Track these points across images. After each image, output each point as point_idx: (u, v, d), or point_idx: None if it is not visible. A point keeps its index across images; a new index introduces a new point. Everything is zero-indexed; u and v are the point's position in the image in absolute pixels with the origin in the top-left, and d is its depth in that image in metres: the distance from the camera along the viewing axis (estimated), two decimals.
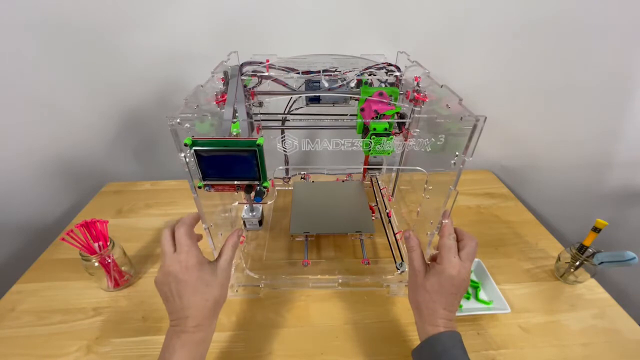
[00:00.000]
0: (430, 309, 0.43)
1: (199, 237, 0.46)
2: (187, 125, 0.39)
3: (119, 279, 0.61)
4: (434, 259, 0.47)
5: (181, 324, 0.39)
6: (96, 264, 0.57)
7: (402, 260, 0.62)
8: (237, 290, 0.60)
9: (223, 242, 0.52)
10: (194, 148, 0.39)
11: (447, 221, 0.46)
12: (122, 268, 0.61)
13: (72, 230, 0.56)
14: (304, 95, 0.53)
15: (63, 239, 0.55)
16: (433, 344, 0.41)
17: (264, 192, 0.45)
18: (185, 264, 0.40)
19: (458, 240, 0.46)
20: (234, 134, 0.43)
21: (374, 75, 0.53)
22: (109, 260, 0.58)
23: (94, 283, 0.62)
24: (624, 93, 0.82)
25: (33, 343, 0.54)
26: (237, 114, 0.47)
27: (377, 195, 0.81)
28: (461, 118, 0.40)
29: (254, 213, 0.71)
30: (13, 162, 0.84)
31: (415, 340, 0.48)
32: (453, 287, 0.43)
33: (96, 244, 0.57)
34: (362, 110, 0.50)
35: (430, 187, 0.53)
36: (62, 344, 0.53)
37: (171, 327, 0.40)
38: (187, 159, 0.39)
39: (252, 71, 0.52)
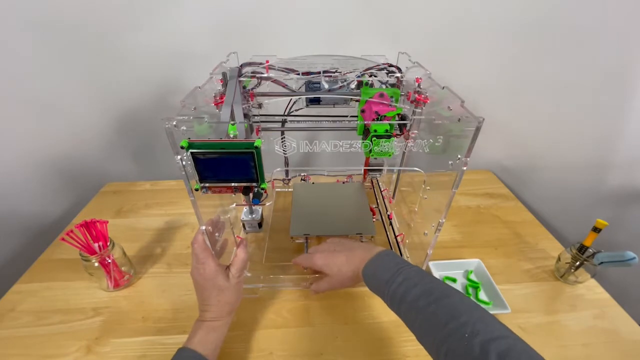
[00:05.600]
0: (350, 257, 0.49)
1: (220, 242, 0.54)
2: (184, 127, 0.39)
3: (119, 279, 0.61)
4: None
5: (203, 314, 0.48)
6: (96, 264, 0.57)
7: None
8: None
9: (221, 242, 0.55)
10: (191, 150, 0.38)
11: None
12: (122, 268, 0.61)
13: (72, 231, 0.56)
14: (304, 97, 0.53)
15: (63, 239, 0.55)
16: (374, 264, 0.46)
17: (262, 194, 0.45)
18: (202, 274, 0.47)
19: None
20: (232, 135, 0.43)
21: (375, 76, 0.52)
22: (109, 261, 0.58)
23: (94, 283, 0.62)
24: (624, 93, 0.82)
25: (33, 343, 0.54)
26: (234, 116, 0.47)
27: (377, 197, 0.81)
28: (459, 119, 0.40)
29: (254, 215, 0.71)
30: (13, 162, 0.84)
31: (416, 340, 0.48)
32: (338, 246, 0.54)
33: (96, 244, 0.57)
34: (362, 111, 0.50)
35: (428, 188, 0.53)
36: (61, 344, 0.53)
37: (199, 314, 0.48)
38: (184, 162, 0.39)
39: (252, 72, 0.51)
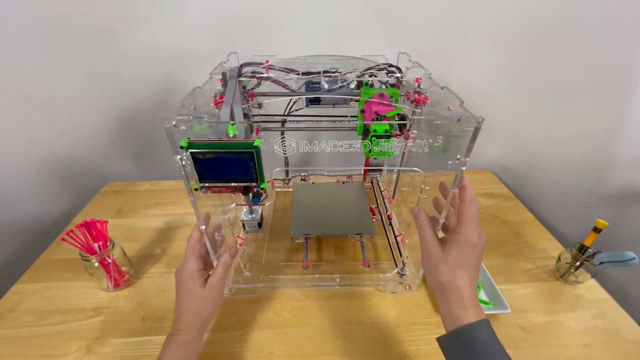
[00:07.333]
0: (456, 288, 0.38)
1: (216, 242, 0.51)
2: (183, 127, 0.39)
3: (119, 279, 0.61)
4: (445, 228, 0.47)
5: (173, 327, 0.44)
6: (96, 264, 0.57)
7: (404, 265, 0.62)
8: (232, 290, 0.60)
9: (220, 242, 0.54)
10: (190, 150, 0.38)
11: (467, 185, 0.42)
12: (122, 268, 0.61)
13: (72, 231, 0.56)
14: (304, 97, 0.53)
15: (63, 239, 0.55)
16: (467, 337, 0.36)
17: (262, 194, 0.45)
18: (180, 273, 0.46)
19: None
20: (231, 135, 0.43)
21: (375, 76, 0.52)
22: (109, 261, 0.58)
23: (94, 283, 0.62)
24: (624, 93, 0.82)
25: (33, 343, 0.54)
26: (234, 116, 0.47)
27: (377, 197, 0.81)
28: (459, 119, 0.40)
29: (254, 215, 0.71)
30: (13, 162, 0.84)
31: (416, 340, 0.48)
32: (475, 258, 0.40)
33: (96, 244, 0.57)
34: (362, 111, 0.50)
35: (428, 188, 0.53)
36: (62, 344, 0.53)
37: (171, 328, 0.45)
38: (183, 162, 0.39)
39: (252, 72, 0.52)
